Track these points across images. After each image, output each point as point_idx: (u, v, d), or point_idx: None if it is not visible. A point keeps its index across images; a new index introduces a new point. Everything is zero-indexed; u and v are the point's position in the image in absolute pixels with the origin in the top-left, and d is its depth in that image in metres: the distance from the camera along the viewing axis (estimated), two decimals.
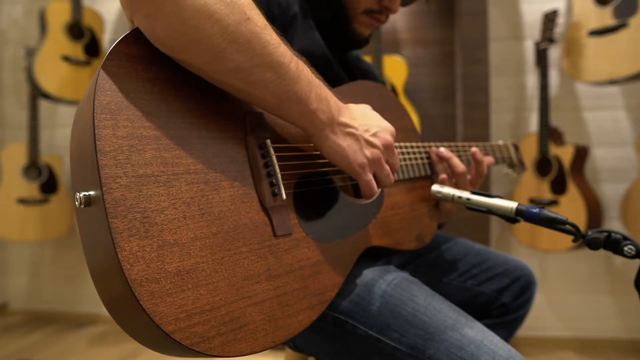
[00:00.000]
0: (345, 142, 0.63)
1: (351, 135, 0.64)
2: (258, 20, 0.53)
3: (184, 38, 0.50)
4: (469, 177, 0.91)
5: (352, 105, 0.68)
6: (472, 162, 0.93)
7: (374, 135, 0.65)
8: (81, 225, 0.52)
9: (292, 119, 0.60)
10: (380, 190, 0.77)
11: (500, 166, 1.21)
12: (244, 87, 0.55)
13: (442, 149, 0.90)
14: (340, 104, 0.65)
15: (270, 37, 0.54)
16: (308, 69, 0.60)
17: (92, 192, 0.47)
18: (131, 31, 0.52)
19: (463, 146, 1.00)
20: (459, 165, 0.88)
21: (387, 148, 0.67)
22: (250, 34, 0.52)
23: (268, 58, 0.54)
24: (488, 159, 0.97)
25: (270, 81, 0.55)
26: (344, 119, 0.64)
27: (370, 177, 0.65)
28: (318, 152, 0.70)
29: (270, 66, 0.54)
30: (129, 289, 0.44)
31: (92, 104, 0.47)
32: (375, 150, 0.65)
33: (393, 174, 0.70)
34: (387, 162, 0.69)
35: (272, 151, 0.61)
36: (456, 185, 0.90)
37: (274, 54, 0.54)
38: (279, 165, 0.61)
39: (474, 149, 0.92)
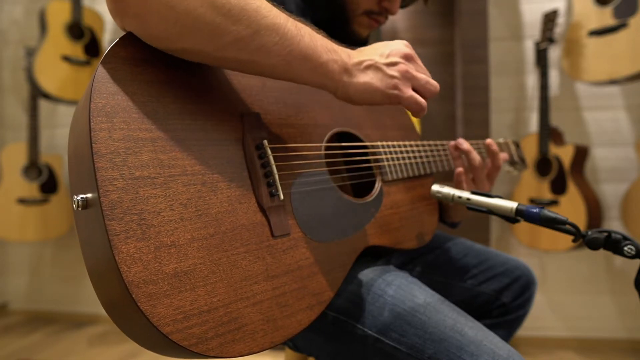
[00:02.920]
0: (367, 77, 0.61)
1: (369, 67, 0.61)
2: None
3: (177, 25, 0.50)
4: (485, 170, 0.90)
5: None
6: (487, 155, 0.92)
7: (390, 55, 0.63)
8: (79, 227, 0.52)
9: (305, 78, 0.59)
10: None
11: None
12: (249, 57, 0.54)
13: (461, 140, 0.88)
14: (348, 49, 0.63)
15: (260, 2, 0.54)
16: (307, 26, 0.59)
17: (89, 195, 0.47)
18: (126, 34, 0.52)
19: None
20: (477, 158, 0.87)
21: (409, 58, 0.64)
22: (240, 2, 0.51)
23: (264, 21, 0.53)
24: (503, 155, 0.97)
25: (273, 44, 0.54)
26: (355, 59, 0.62)
27: (410, 92, 0.62)
28: (316, 152, 0.70)
29: (269, 29, 0.53)
30: (126, 290, 0.44)
31: (88, 107, 0.47)
32: (400, 66, 0.62)
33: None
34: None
35: (269, 152, 0.61)
36: (474, 180, 0.89)
37: (268, 16, 0.53)
38: (277, 166, 0.61)
39: (488, 140, 0.90)
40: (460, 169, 0.88)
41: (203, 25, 0.50)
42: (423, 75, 0.65)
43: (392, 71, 0.62)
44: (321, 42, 0.59)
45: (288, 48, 0.55)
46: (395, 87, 0.61)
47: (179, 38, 0.51)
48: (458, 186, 0.87)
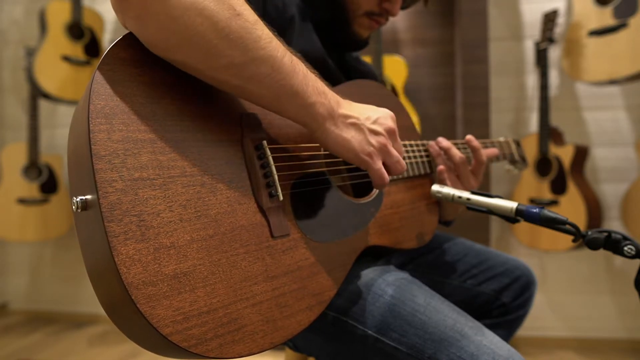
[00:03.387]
0: (349, 134, 0.62)
1: (354, 125, 0.63)
2: (249, 16, 0.53)
3: (175, 37, 0.50)
4: (469, 167, 0.91)
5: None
6: (469, 150, 0.93)
7: (376, 122, 0.65)
8: (79, 229, 0.52)
9: (291, 114, 0.59)
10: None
11: (501, 163, 1.21)
12: (239, 83, 0.55)
13: (440, 139, 0.90)
14: (338, 96, 0.64)
15: (262, 32, 0.54)
16: (303, 64, 0.60)
17: (88, 197, 0.47)
18: (125, 35, 0.52)
19: (463, 143, 1.00)
20: (457, 154, 0.88)
21: (391, 133, 0.66)
22: (241, 29, 0.52)
23: (261, 52, 0.53)
24: (492, 150, 0.97)
25: (265, 75, 0.54)
26: (343, 110, 0.63)
27: (380, 165, 0.64)
28: (315, 153, 0.69)
29: (264, 60, 0.54)
30: (126, 292, 0.44)
31: (87, 109, 0.47)
32: (380, 138, 0.64)
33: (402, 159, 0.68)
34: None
35: (268, 152, 0.61)
36: (458, 177, 0.90)
37: (266, 48, 0.54)
38: (276, 166, 0.61)
39: (468, 136, 0.92)
40: (441, 167, 0.89)
41: (200, 44, 0.51)
42: (396, 153, 0.67)
43: (372, 139, 0.64)
44: (313, 82, 0.59)
45: (280, 82, 0.55)
46: (369, 155, 0.63)
47: (174, 50, 0.52)
48: (441, 184, 0.88)
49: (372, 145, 0.63)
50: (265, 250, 0.57)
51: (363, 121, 0.63)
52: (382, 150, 0.65)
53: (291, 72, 0.56)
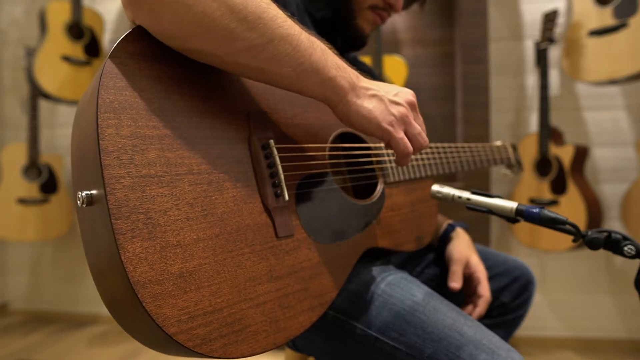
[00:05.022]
0: (371, 104, 0.61)
1: (375, 96, 0.62)
2: None
3: (191, 25, 0.50)
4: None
5: None
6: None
7: (396, 95, 0.64)
8: (82, 224, 0.51)
9: (312, 90, 0.59)
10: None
11: (498, 166, 1.23)
12: (259, 65, 0.54)
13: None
14: (357, 72, 0.64)
15: (277, 12, 0.54)
16: (320, 41, 0.60)
17: (94, 192, 0.47)
18: (135, 28, 0.52)
19: (463, 147, 1.00)
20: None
21: (412, 106, 0.66)
22: (257, 9, 0.52)
23: (278, 31, 0.53)
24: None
25: (285, 54, 0.54)
26: (364, 83, 0.63)
27: (402, 134, 0.64)
28: (320, 153, 0.70)
29: (282, 39, 0.54)
30: (131, 290, 0.44)
31: (96, 102, 0.47)
32: (401, 108, 0.64)
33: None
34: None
35: (275, 152, 0.60)
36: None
37: (283, 27, 0.54)
38: (282, 166, 0.61)
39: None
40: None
41: (218, 29, 0.50)
42: (418, 126, 0.66)
43: (393, 109, 0.63)
44: (332, 57, 0.59)
45: (299, 60, 0.55)
46: (391, 124, 0.62)
47: (191, 38, 0.51)
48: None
49: (393, 115, 0.62)
50: (270, 250, 0.57)
51: (384, 93, 0.63)
52: (404, 120, 0.64)
53: (309, 48, 0.56)
